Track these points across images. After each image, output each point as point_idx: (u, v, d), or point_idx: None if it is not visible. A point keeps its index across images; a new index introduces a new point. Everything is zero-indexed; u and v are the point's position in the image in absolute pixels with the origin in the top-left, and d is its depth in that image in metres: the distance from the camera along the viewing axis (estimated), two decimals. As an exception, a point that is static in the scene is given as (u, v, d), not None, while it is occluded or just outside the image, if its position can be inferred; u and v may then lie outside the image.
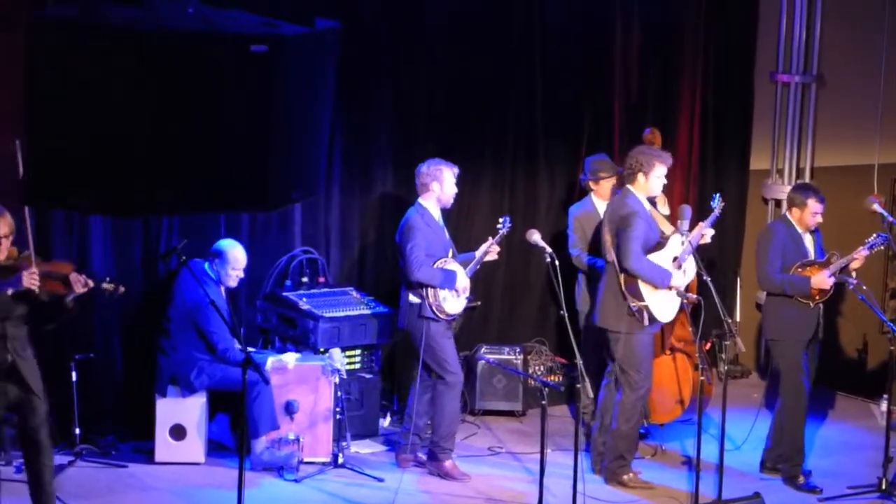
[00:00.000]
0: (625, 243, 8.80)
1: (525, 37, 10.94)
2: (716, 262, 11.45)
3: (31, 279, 7.27)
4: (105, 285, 7.70)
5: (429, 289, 9.01)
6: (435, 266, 9.04)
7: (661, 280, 8.86)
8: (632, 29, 11.36)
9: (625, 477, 9.14)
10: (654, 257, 8.88)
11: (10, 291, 7.28)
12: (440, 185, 9.13)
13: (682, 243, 8.96)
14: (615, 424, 9.07)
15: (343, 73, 8.77)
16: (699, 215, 9.87)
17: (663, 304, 8.94)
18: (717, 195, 9.44)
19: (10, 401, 7.59)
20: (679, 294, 8.97)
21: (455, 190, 9.23)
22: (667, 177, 9.12)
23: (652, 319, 8.92)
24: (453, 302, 9.12)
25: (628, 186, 8.98)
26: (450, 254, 9.19)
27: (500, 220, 9.24)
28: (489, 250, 9.23)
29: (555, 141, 11.19)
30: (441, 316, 9.06)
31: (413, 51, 10.49)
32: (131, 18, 5.34)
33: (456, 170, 9.20)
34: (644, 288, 8.84)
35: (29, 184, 5.50)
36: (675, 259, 8.95)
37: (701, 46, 11.65)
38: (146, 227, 9.60)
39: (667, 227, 9.11)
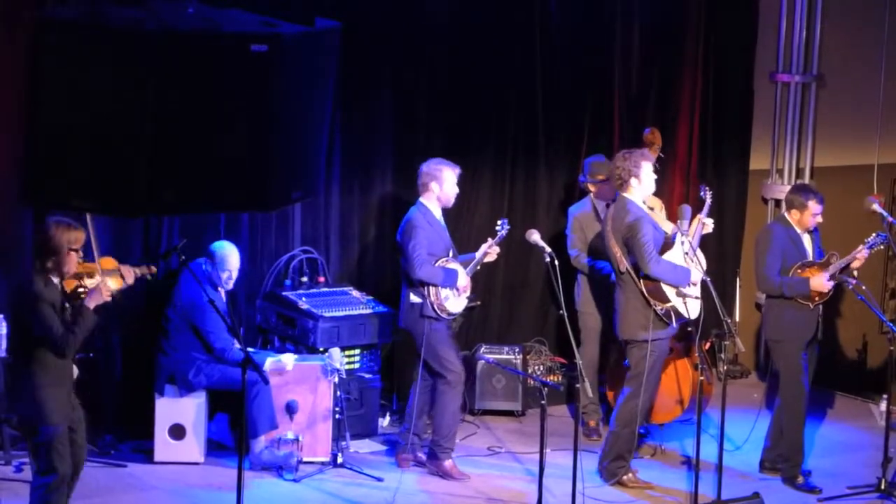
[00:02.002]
0: (639, 250, 8.75)
1: (525, 37, 10.94)
2: (715, 261, 11.45)
3: (106, 292, 7.20)
4: (142, 270, 7.70)
5: (430, 288, 9.01)
6: (436, 265, 9.05)
7: (683, 279, 8.84)
8: (632, 29, 11.36)
9: (624, 477, 9.14)
10: (667, 258, 8.88)
11: (91, 306, 7.15)
12: (439, 185, 9.13)
13: (684, 243, 8.96)
14: (615, 425, 9.07)
15: (343, 73, 8.82)
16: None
17: (687, 300, 8.92)
18: (704, 185, 9.52)
19: (74, 415, 7.29)
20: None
21: (456, 190, 9.22)
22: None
23: (679, 318, 8.91)
24: (454, 301, 9.13)
25: (623, 194, 8.94)
26: (450, 254, 9.20)
27: (499, 222, 9.26)
28: (489, 251, 9.26)
29: (555, 141, 11.19)
30: (442, 315, 9.06)
31: (413, 50, 10.49)
32: (132, 18, 5.35)
33: (457, 170, 9.20)
34: (667, 289, 8.83)
35: (30, 184, 5.50)
36: (685, 255, 8.95)
37: (701, 46, 11.64)
38: (146, 227, 9.61)
39: (667, 227, 9.12)
